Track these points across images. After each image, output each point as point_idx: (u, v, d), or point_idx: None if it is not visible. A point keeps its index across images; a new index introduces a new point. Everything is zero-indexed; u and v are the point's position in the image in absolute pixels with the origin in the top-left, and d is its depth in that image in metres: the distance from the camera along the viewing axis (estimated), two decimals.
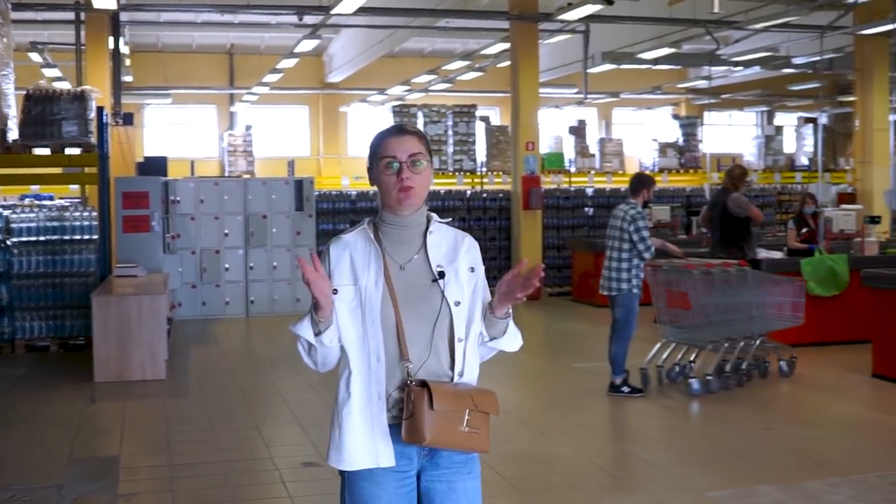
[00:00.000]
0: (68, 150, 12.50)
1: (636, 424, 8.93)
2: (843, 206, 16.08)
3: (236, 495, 6.75)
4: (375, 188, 3.41)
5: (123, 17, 19.26)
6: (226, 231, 15.93)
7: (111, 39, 18.00)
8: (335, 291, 3.32)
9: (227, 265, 15.94)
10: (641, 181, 9.87)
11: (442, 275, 3.33)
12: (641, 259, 9.49)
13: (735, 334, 9.88)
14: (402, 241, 3.38)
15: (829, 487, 6.72)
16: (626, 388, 9.61)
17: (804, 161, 25.45)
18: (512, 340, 3.48)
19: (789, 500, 6.46)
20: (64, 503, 6.56)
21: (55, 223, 12.91)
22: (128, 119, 17.54)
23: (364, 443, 3.27)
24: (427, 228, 3.40)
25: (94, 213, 13.04)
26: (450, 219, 3.53)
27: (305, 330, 3.31)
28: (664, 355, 10.07)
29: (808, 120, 26.56)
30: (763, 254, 12.42)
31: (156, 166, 16.65)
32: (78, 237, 12.90)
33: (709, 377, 9.66)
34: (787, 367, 10.34)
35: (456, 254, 3.39)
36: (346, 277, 3.34)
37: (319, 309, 3.23)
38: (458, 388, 3.29)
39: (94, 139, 12.49)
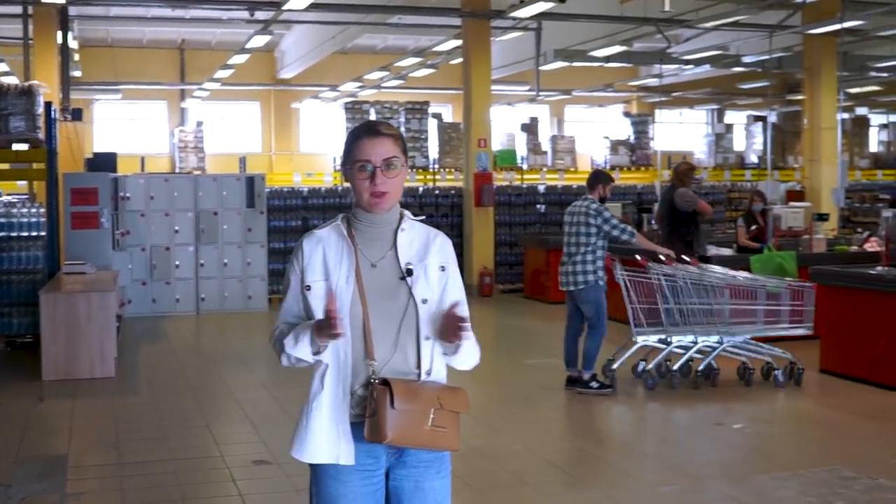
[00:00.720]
0: (16, 146, 12.36)
1: (588, 421, 8.96)
2: (792, 203, 16.22)
3: (186, 494, 6.70)
4: (341, 184, 3.38)
5: (72, 11, 19.04)
6: (176, 228, 15.80)
7: (59, 34, 17.80)
8: (308, 288, 3.32)
9: (177, 262, 15.81)
10: (598, 177, 9.91)
11: (410, 272, 3.32)
12: (602, 249, 9.54)
13: (685, 334, 9.84)
14: (375, 239, 3.36)
15: (778, 482, 6.79)
16: (594, 384, 9.56)
17: (754, 159, 25.68)
18: (465, 360, 3.42)
19: (738, 495, 6.51)
20: (11, 503, 6.48)
21: (2, 220, 12.70)
22: (76, 114, 17.36)
23: (328, 438, 3.27)
24: (399, 226, 3.38)
25: (42, 210, 12.88)
26: (423, 216, 3.51)
27: (303, 351, 3.27)
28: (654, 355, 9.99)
29: (757, 118, 26.81)
30: (713, 250, 12.52)
31: (105, 162, 16.50)
32: (25, 234, 12.71)
33: (643, 374, 9.68)
34: (782, 376, 9.85)
35: (427, 252, 3.38)
36: (318, 273, 3.33)
37: (325, 338, 3.21)
38: (424, 386, 3.29)
39: (41, 135, 12.35)
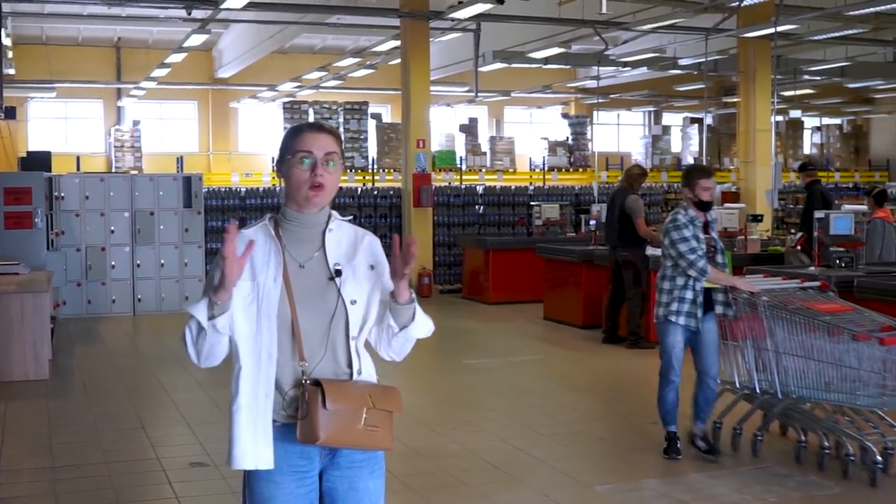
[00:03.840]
0: None
1: (526, 421, 8.98)
2: (727, 204, 16.41)
3: (121, 497, 6.64)
4: (279, 184, 3.38)
5: (5, 7, 18.74)
6: (112, 228, 15.63)
7: None
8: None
9: (113, 262, 15.64)
10: (686, 176, 7.55)
11: (339, 273, 3.31)
12: (688, 279, 7.16)
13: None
14: (303, 239, 3.35)
15: (712, 480, 6.87)
16: (667, 446, 7.48)
17: (690, 160, 25.93)
18: (422, 326, 3.40)
19: (673, 493, 6.59)
20: None
21: None
22: (10, 113, 17.14)
23: (247, 442, 3.24)
24: (327, 226, 3.37)
25: None
26: (350, 216, 3.51)
27: (200, 311, 3.22)
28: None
29: (693, 120, 27.09)
30: (650, 250, 12.63)
31: (39, 161, 16.30)
32: None
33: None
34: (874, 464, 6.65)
35: (355, 252, 3.37)
36: (245, 273, 3.28)
37: (221, 290, 3.16)
38: (355, 385, 3.28)
39: None
